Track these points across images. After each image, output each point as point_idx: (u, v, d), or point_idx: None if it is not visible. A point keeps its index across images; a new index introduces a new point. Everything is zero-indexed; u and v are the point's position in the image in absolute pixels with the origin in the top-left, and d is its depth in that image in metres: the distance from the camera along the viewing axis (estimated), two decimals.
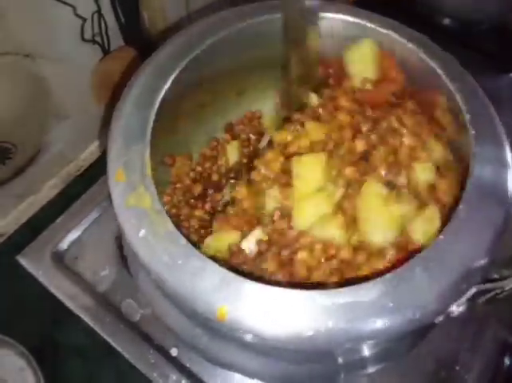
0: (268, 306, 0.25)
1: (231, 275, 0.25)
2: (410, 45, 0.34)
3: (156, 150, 0.30)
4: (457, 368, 0.40)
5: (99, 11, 0.42)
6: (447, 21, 0.60)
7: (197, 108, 0.40)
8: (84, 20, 0.41)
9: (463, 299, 0.26)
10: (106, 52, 0.45)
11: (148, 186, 0.28)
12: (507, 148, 0.30)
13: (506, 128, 0.32)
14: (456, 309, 0.26)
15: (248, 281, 0.25)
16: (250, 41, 0.37)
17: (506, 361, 0.40)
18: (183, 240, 0.26)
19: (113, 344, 0.39)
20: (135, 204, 0.27)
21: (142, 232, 0.26)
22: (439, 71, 0.33)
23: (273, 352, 0.31)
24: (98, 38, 0.44)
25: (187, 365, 0.38)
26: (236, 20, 0.35)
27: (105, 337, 0.39)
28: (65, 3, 0.38)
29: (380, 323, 0.24)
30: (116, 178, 0.28)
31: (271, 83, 0.42)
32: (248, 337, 0.25)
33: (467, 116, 0.31)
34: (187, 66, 0.33)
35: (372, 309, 0.24)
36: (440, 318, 0.27)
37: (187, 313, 0.31)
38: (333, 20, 0.37)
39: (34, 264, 0.42)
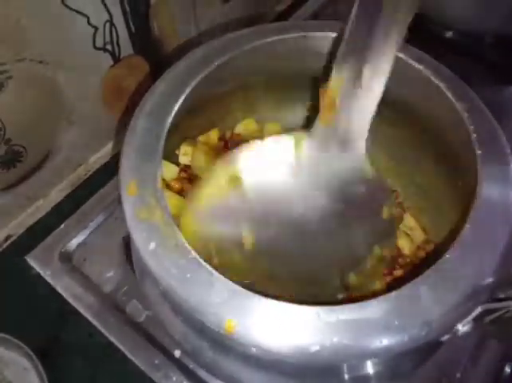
0: (275, 320, 0.25)
1: (239, 289, 0.26)
2: (417, 65, 0.35)
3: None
4: (458, 375, 0.40)
5: (111, 20, 0.43)
6: (449, 33, 0.61)
7: (208, 126, 0.41)
8: (97, 29, 0.42)
9: (469, 318, 0.26)
10: (116, 60, 0.47)
11: (160, 200, 0.28)
12: None
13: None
14: (462, 328, 0.27)
15: (256, 295, 0.26)
16: (266, 60, 0.37)
17: (507, 369, 0.40)
18: (193, 253, 0.27)
19: (117, 344, 0.39)
20: (147, 218, 0.28)
21: (152, 245, 0.27)
22: (446, 91, 0.33)
23: (277, 366, 0.32)
24: (109, 47, 0.45)
25: (190, 367, 0.39)
26: (253, 39, 0.36)
27: (110, 337, 0.40)
28: (79, 12, 0.40)
29: (384, 341, 0.25)
30: (129, 191, 0.29)
31: (284, 103, 0.43)
32: (254, 351, 0.25)
33: (473, 136, 0.31)
34: (200, 84, 0.34)
35: (377, 327, 0.25)
36: (446, 337, 0.27)
37: (195, 325, 0.32)
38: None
39: (42, 264, 0.43)
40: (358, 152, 0.34)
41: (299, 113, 0.45)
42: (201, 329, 0.30)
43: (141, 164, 0.30)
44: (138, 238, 0.27)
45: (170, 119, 0.32)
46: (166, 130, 0.31)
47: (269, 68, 0.38)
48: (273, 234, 0.34)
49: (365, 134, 0.34)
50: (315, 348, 0.24)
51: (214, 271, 0.26)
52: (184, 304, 0.26)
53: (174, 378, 0.38)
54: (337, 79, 0.32)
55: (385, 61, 0.32)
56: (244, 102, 0.42)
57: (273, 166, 0.35)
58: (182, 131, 0.36)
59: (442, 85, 0.33)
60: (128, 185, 0.29)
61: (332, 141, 0.34)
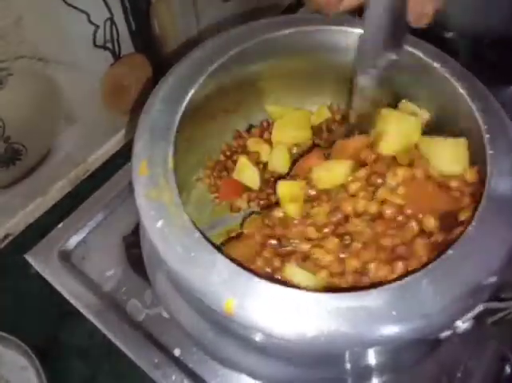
0: (274, 303, 0.25)
1: (241, 271, 0.26)
2: (435, 64, 0.35)
3: (180, 147, 0.32)
4: (459, 375, 0.40)
5: (111, 18, 0.43)
6: (449, 33, 0.61)
7: (221, 113, 0.41)
8: (97, 27, 0.42)
9: (469, 316, 0.26)
10: (117, 58, 0.46)
11: (169, 181, 0.29)
12: None
13: None
14: (461, 325, 0.27)
15: (256, 277, 0.26)
16: (277, 52, 0.38)
17: (507, 368, 0.40)
18: (197, 234, 0.28)
19: (117, 343, 0.39)
20: (156, 197, 0.29)
21: (159, 223, 0.28)
22: (462, 90, 0.33)
23: (277, 352, 0.32)
24: (109, 45, 0.45)
25: (190, 366, 0.39)
26: (264, 31, 0.36)
27: (109, 336, 0.39)
28: (80, 10, 0.40)
29: (382, 330, 0.25)
30: (140, 171, 0.30)
31: (295, 94, 0.43)
32: (252, 333, 0.25)
33: (486, 137, 0.31)
34: (215, 72, 0.34)
35: (375, 317, 0.25)
36: (445, 333, 0.27)
37: (196, 305, 0.32)
38: (353, 34, 0.37)
39: (41, 263, 0.43)
40: None
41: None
42: (202, 309, 0.30)
43: (153, 146, 0.30)
44: (146, 217, 0.28)
45: (185, 102, 0.32)
46: (180, 112, 0.32)
47: (281, 61, 0.38)
48: None
49: None
50: (312, 333, 0.25)
51: (217, 251, 0.27)
52: (186, 283, 0.26)
53: (173, 377, 0.38)
54: None
55: None
56: (257, 93, 0.42)
57: None
58: (195, 116, 0.36)
59: (457, 84, 0.33)
60: (140, 165, 0.30)
61: None
